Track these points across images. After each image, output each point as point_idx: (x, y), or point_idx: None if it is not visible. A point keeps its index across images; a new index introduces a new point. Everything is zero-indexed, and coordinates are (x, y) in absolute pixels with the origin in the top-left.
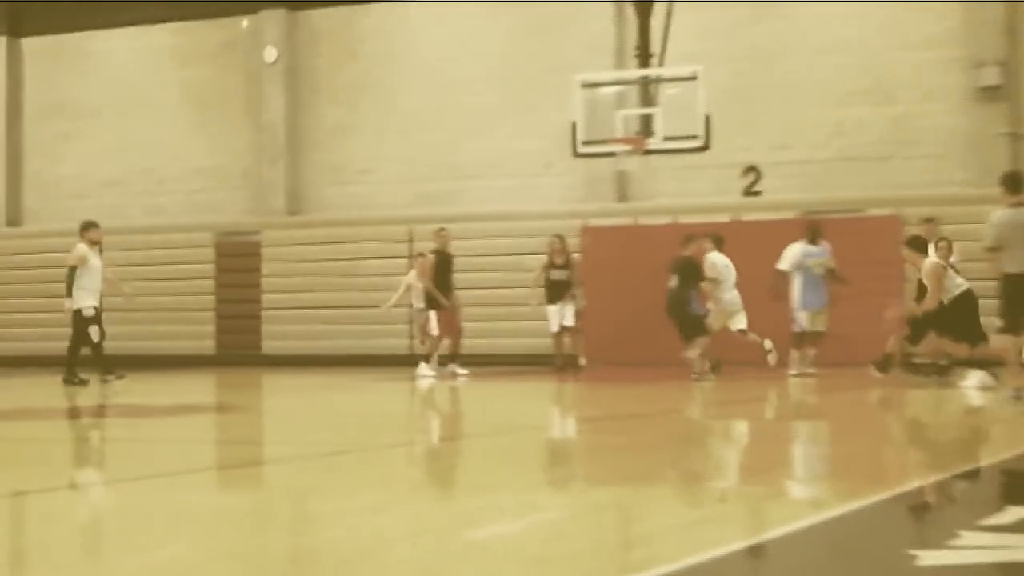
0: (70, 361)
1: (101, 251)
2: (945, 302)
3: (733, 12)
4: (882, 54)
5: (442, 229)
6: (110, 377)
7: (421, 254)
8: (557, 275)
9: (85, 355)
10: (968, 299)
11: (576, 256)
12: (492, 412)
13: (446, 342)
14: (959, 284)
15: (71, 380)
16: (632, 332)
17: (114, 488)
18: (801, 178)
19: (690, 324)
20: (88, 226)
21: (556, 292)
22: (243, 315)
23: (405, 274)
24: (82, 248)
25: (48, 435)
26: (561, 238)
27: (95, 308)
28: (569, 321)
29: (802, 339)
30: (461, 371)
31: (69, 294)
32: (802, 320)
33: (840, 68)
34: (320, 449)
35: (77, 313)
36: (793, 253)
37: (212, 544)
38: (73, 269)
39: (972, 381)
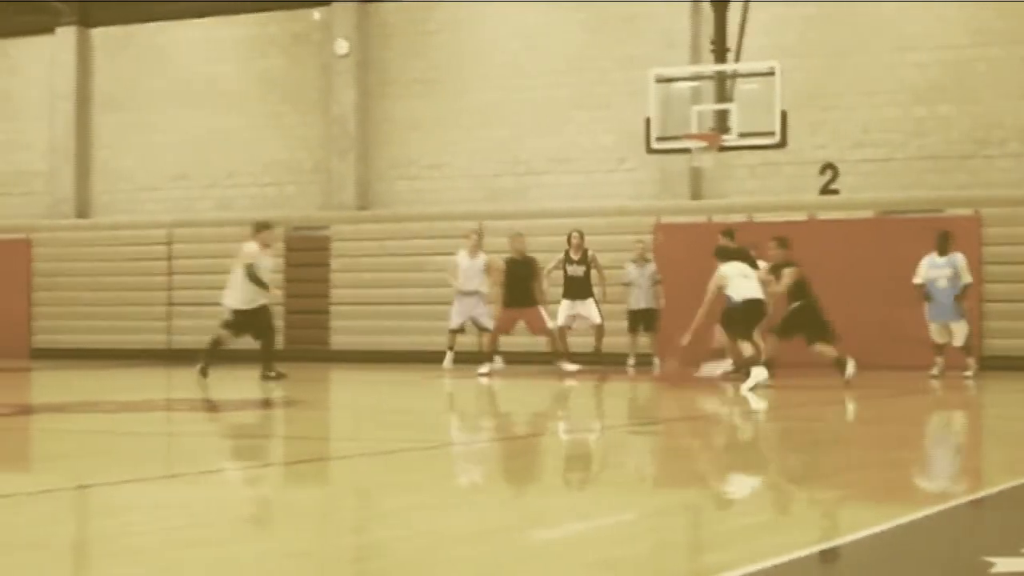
0: (267, 357)
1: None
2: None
3: (811, 7)
4: (963, 51)
5: (518, 235)
6: (202, 374)
7: (476, 233)
8: (573, 271)
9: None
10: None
11: (594, 253)
12: (560, 411)
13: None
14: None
15: (268, 375)
16: (706, 332)
17: (178, 483)
18: (879, 176)
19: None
20: (262, 227)
21: (570, 288)
22: (311, 310)
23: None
24: (252, 248)
25: (116, 428)
26: (580, 234)
27: (236, 311)
28: (597, 319)
29: (940, 349)
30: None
31: (264, 287)
32: (932, 332)
33: (920, 65)
34: (386, 446)
35: (262, 308)
36: (922, 266)
37: (275, 541)
38: (249, 267)
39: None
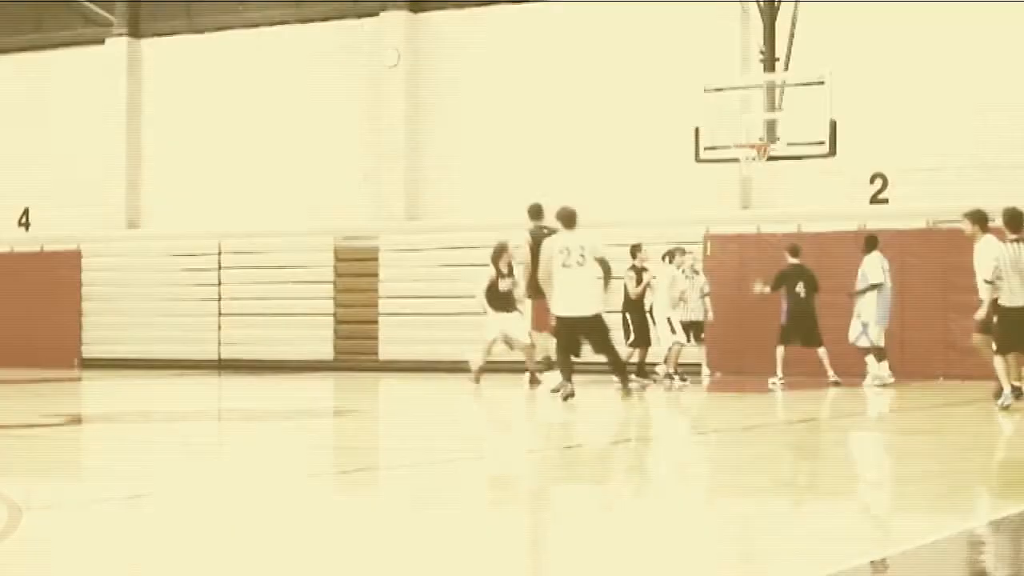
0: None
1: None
2: None
3: (862, 15)
4: (1018, 59)
5: None
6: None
7: None
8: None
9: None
10: None
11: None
12: (609, 422)
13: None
14: None
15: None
16: (756, 342)
17: (228, 491)
18: (931, 186)
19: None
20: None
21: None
22: (361, 320)
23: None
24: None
25: (167, 438)
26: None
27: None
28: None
29: None
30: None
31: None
32: None
33: (973, 74)
34: (436, 456)
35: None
36: None
37: (321, 549)
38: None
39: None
